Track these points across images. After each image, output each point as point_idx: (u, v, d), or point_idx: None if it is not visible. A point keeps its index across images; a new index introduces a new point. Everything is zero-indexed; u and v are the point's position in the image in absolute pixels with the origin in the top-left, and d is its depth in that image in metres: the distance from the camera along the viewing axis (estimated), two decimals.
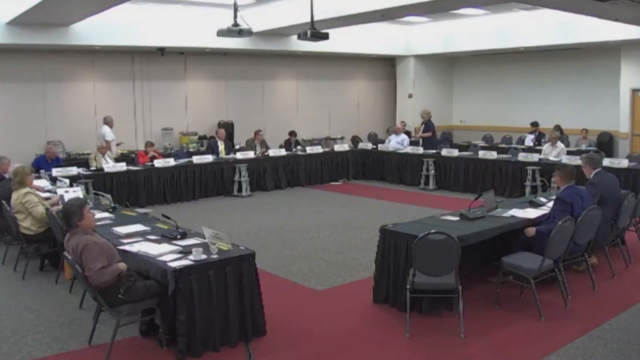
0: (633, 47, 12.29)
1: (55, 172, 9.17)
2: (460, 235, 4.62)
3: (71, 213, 4.21)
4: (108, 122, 11.52)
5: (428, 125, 12.88)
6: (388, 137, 13.69)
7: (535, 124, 13.33)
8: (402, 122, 14.32)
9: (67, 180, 8.00)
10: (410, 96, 15.89)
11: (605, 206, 5.66)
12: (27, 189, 6.15)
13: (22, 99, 11.30)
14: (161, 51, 12.32)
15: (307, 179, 12.12)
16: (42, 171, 8.86)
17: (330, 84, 15.75)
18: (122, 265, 4.18)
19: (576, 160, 9.14)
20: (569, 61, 14.07)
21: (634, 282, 5.79)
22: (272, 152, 11.88)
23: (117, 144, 11.66)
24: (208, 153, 11.41)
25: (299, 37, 9.64)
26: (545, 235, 5.09)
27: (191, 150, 12.52)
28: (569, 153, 10.67)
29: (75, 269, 4.11)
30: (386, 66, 16.76)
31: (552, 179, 8.31)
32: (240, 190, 10.91)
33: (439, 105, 16.41)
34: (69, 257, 4.16)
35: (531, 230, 5.31)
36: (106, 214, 5.98)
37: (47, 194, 7.06)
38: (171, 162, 10.58)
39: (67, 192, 6.96)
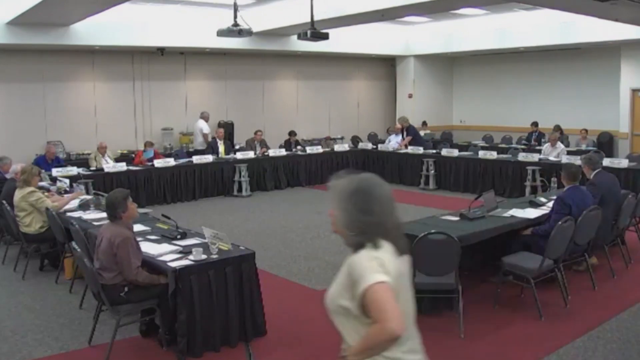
0: (633, 47, 12.29)
1: (55, 172, 9.18)
2: (460, 235, 4.62)
3: (116, 204, 4.23)
4: (205, 117, 12.68)
5: (409, 130, 12.75)
6: (388, 137, 13.69)
7: (535, 124, 13.35)
8: None
9: (67, 180, 8.01)
10: (410, 96, 15.89)
11: (606, 206, 5.66)
12: (32, 188, 6.18)
13: (22, 99, 11.29)
14: (161, 51, 12.31)
15: (307, 179, 12.11)
16: (42, 171, 8.84)
17: (330, 84, 15.74)
18: (164, 279, 4.20)
19: (576, 161, 9.14)
20: (569, 61, 14.07)
21: (634, 282, 5.79)
22: (272, 152, 11.88)
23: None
24: (208, 153, 11.41)
25: (299, 37, 9.65)
26: (541, 236, 5.09)
27: (191, 150, 12.52)
28: (569, 153, 10.66)
29: (83, 263, 4.12)
30: (386, 66, 16.76)
31: (553, 179, 8.33)
32: (240, 190, 10.91)
33: (439, 105, 16.43)
34: (77, 248, 4.18)
35: (527, 230, 5.32)
36: (106, 214, 5.96)
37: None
38: (171, 162, 10.58)
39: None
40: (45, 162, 9.98)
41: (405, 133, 12.72)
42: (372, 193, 1.99)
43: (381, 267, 1.88)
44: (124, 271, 4.06)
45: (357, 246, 1.98)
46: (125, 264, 4.04)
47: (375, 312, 1.83)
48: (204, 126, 12.54)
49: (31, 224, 6.12)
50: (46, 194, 6.88)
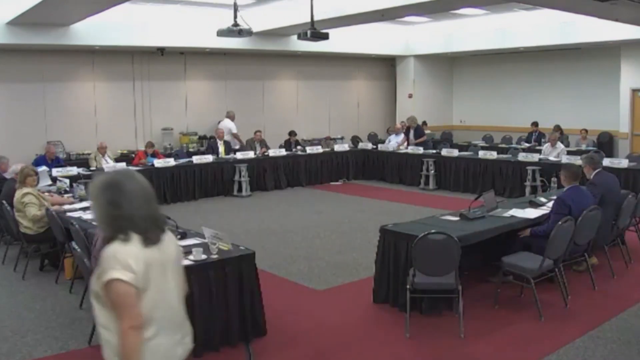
0: (633, 47, 12.29)
1: (55, 172, 9.17)
2: (460, 235, 4.62)
3: None
4: (230, 116, 12.75)
5: (417, 130, 12.80)
6: (388, 137, 13.70)
7: (535, 124, 13.35)
8: (402, 122, 14.29)
9: (67, 180, 8.00)
10: (410, 96, 15.89)
11: (606, 206, 5.66)
12: (27, 189, 6.18)
13: (22, 99, 11.28)
14: (161, 51, 12.31)
15: (307, 179, 12.12)
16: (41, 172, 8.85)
17: (330, 84, 15.74)
18: None
19: (577, 161, 9.14)
20: (569, 61, 14.07)
21: (634, 282, 5.79)
22: (272, 152, 11.88)
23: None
24: (208, 153, 11.41)
25: (299, 37, 9.64)
26: (540, 236, 5.09)
27: (191, 150, 12.52)
28: (569, 153, 10.66)
29: (83, 263, 4.12)
30: (386, 66, 16.76)
31: (553, 179, 8.34)
32: (240, 190, 10.91)
33: (439, 105, 16.43)
34: (77, 248, 4.18)
35: (526, 231, 5.31)
36: None
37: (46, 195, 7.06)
38: (171, 162, 10.58)
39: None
40: (45, 162, 9.98)
41: (413, 133, 12.74)
42: (122, 187, 2.10)
43: (121, 265, 2.02)
44: None
45: (110, 239, 2.11)
46: None
47: (114, 309, 2.04)
48: (231, 125, 12.49)
49: (27, 225, 6.12)
50: (45, 194, 6.89)
